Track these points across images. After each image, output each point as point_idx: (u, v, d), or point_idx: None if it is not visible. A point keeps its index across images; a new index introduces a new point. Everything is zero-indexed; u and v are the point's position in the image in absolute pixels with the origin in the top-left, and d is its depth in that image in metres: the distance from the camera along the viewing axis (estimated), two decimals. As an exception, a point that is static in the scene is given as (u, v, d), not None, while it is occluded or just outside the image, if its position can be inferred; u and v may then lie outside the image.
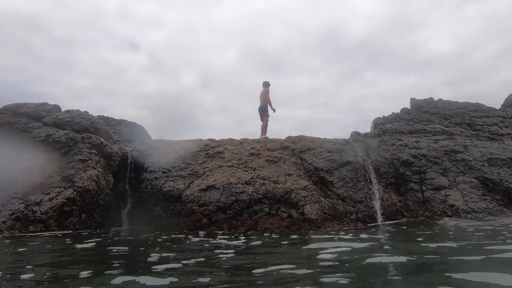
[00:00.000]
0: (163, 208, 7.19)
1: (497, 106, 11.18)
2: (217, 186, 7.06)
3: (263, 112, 9.91)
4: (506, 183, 6.75)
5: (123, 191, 7.87)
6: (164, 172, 7.70)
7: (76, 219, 6.05)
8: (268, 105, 9.77)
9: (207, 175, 7.53)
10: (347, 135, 9.52)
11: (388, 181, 7.32)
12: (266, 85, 10.04)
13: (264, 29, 42.25)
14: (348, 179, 7.24)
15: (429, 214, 6.48)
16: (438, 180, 7.02)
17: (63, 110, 9.54)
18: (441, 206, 6.47)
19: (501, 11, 32.87)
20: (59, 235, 5.09)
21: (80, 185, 6.42)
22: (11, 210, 5.38)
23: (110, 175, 7.73)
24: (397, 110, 11.19)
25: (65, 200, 6.00)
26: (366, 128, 10.59)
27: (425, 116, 10.26)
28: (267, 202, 6.70)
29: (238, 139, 9.30)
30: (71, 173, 6.60)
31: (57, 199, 5.96)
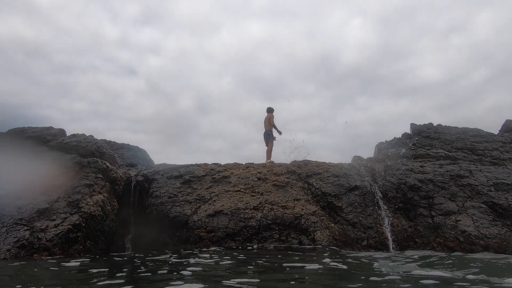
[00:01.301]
0: (169, 235, 7.02)
1: (489, 130, 11.41)
2: (225, 212, 6.97)
3: (268, 137, 10.05)
4: (514, 208, 6.75)
5: (127, 217, 7.70)
6: (170, 197, 7.60)
7: (81, 247, 5.86)
8: (274, 130, 9.97)
9: (214, 200, 7.45)
10: (342, 159, 9.58)
11: (396, 206, 7.28)
12: (270, 110, 10.33)
13: (259, 57, 43.78)
14: (356, 204, 7.20)
15: (441, 240, 6.40)
16: (446, 205, 7.01)
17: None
18: (453, 232, 6.41)
19: (483, 42, 34.70)
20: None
21: (86, 210, 6.28)
22: (16, 237, 5.20)
23: (115, 200, 7.59)
24: (391, 134, 11.34)
25: (71, 227, 5.84)
26: (361, 152, 10.65)
27: (427, 141, 10.41)
28: (276, 228, 6.59)
29: (244, 163, 9.31)
30: (77, 198, 6.48)
31: (62, 225, 5.80)
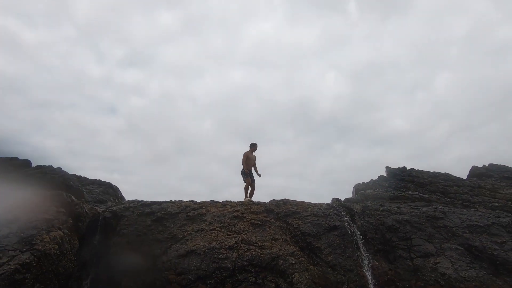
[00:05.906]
0: (133, 279, 6.33)
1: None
2: (198, 252, 6.47)
3: (243, 174, 9.75)
4: (489, 250, 6.78)
5: (88, 258, 6.93)
6: (138, 235, 7.03)
7: (28, 291, 5.09)
8: (247, 168, 9.64)
9: (187, 239, 6.95)
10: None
11: (376, 248, 7.10)
12: (250, 146, 9.99)
13: (241, 103, 45.62)
14: (336, 245, 6.96)
15: (422, 284, 6.18)
16: (425, 247, 6.93)
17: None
18: (433, 275, 6.23)
19: (444, 99, 38.44)
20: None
21: (40, 248, 5.60)
22: None
23: (76, 238, 6.90)
24: (366, 181, 11.44)
25: (19, 266, 5.13)
26: (339, 197, 10.54)
27: (402, 184, 10.66)
28: (252, 270, 6.14)
29: (221, 201, 8.96)
30: (31, 234, 5.82)
31: (9, 264, 5.09)
